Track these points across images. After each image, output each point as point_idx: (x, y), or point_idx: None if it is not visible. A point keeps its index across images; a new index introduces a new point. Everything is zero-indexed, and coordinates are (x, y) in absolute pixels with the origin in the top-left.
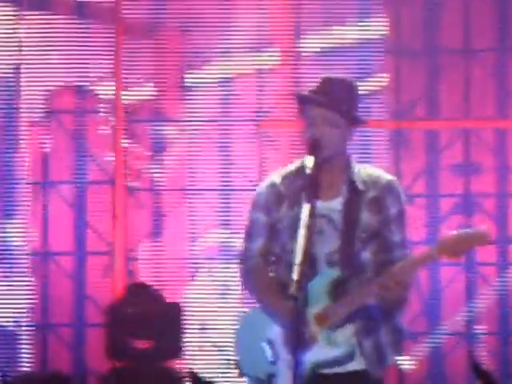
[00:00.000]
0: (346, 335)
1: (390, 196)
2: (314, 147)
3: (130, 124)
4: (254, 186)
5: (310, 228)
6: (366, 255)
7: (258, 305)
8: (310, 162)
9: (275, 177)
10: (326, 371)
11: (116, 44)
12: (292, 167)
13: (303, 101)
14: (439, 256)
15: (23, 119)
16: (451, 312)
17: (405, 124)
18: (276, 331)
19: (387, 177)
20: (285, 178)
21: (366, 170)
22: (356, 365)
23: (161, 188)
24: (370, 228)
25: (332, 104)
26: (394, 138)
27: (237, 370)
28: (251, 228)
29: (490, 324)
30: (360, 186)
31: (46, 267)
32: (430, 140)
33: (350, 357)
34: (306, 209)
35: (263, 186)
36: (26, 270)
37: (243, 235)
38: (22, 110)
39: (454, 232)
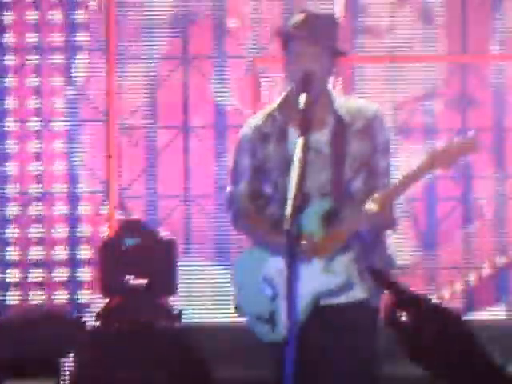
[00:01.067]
0: (343, 263)
1: (377, 125)
2: (305, 82)
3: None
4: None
5: (304, 162)
6: (357, 184)
7: (251, 245)
8: (302, 96)
9: (256, 118)
10: (327, 302)
11: None
12: (272, 105)
13: (290, 37)
14: (431, 168)
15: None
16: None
17: (401, 58)
18: (272, 268)
19: (372, 106)
20: (267, 117)
21: (349, 101)
22: (357, 293)
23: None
24: (361, 157)
25: (320, 39)
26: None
27: (236, 311)
28: (236, 171)
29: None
30: (346, 117)
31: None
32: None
33: (349, 285)
34: (299, 143)
35: (246, 128)
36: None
37: (229, 179)
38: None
39: (444, 143)
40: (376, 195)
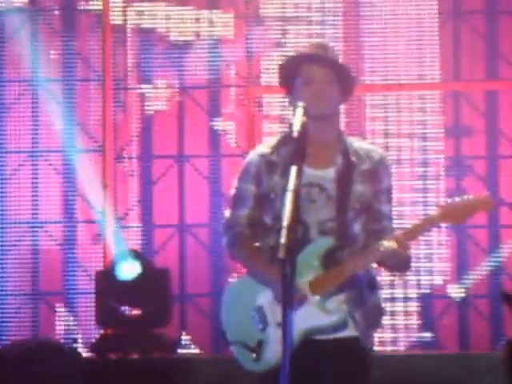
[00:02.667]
0: (338, 303)
1: (383, 170)
2: (306, 105)
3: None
4: (244, 153)
5: (297, 191)
6: (358, 226)
7: (244, 273)
8: (297, 123)
9: (265, 147)
10: (318, 337)
11: None
12: (282, 135)
13: (307, 59)
14: (441, 222)
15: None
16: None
17: (393, 87)
18: (265, 298)
19: (380, 151)
20: (276, 146)
21: (358, 143)
22: (348, 332)
23: (150, 155)
24: (363, 199)
25: (333, 62)
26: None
27: (225, 339)
28: (238, 197)
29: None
30: (354, 158)
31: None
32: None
33: (343, 324)
34: (292, 171)
35: (253, 155)
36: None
37: (229, 204)
38: None
39: (457, 198)
40: (395, 234)
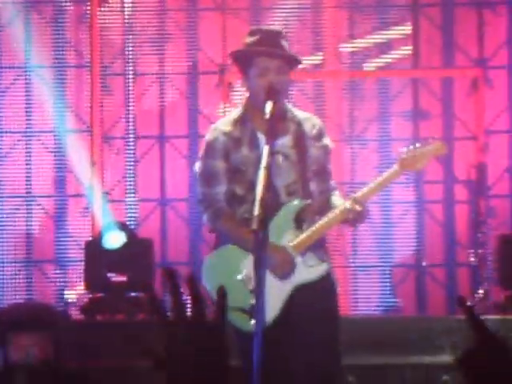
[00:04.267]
0: (316, 258)
1: (324, 133)
2: (272, 94)
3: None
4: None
5: (270, 167)
6: (313, 185)
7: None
8: (268, 106)
9: (224, 124)
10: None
11: None
12: (236, 113)
13: (255, 53)
14: (402, 171)
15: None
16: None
17: (358, 74)
18: (250, 263)
19: (315, 117)
20: (235, 123)
21: (298, 112)
22: (322, 271)
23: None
24: (319, 161)
25: (282, 54)
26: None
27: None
28: (210, 174)
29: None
30: (303, 125)
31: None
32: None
33: (321, 270)
34: (265, 150)
35: (216, 133)
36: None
37: (200, 181)
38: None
39: (412, 147)
40: (356, 195)
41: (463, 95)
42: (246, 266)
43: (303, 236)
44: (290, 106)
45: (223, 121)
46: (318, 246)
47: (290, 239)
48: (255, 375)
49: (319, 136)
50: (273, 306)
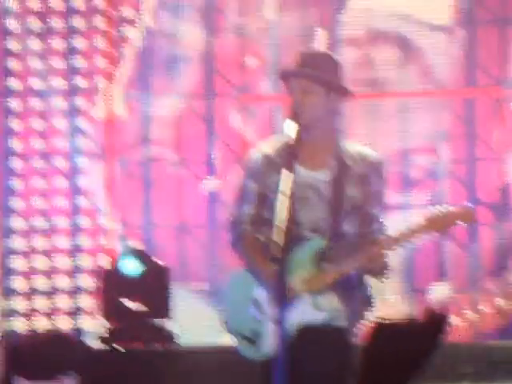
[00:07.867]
0: (330, 300)
1: (375, 173)
2: (292, 116)
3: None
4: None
5: (291, 195)
6: (347, 227)
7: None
8: (290, 130)
9: (269, 147)
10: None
11: None
12: (284, 138)
13: (283, 75)
14: (427, 231)
15: None
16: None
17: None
18: (262, 291)
19: (374, 154)
20: (278, 148)
21: (354, 146)
22: (338, 323)
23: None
24: (355, 201)
25: (308, 73)
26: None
27: (224, 328)
28: (242, 193)
29: None
30: (348, 161)
31: None
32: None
33: (333, 320)
34: (285, 176)
35: (256, 154)
36: None
37: (233, 199)
38: None
39: (440, 208)
40: (380, 239)
41: (486, 115)
42: (258, 293)
43: (318, 272)
44: (341, 137)
45: (269, 143)
46: (349, 294)
47: (303, 275)
48: None
49: (367, 176)
50: (271, 345)
